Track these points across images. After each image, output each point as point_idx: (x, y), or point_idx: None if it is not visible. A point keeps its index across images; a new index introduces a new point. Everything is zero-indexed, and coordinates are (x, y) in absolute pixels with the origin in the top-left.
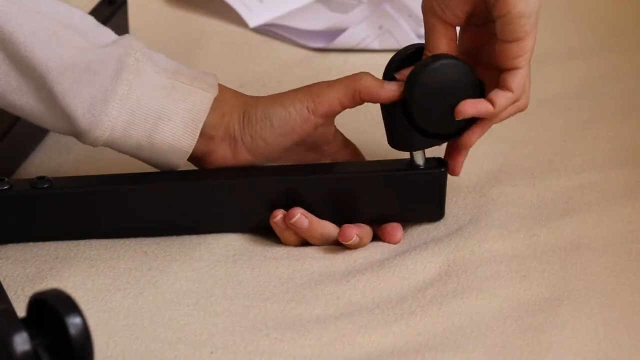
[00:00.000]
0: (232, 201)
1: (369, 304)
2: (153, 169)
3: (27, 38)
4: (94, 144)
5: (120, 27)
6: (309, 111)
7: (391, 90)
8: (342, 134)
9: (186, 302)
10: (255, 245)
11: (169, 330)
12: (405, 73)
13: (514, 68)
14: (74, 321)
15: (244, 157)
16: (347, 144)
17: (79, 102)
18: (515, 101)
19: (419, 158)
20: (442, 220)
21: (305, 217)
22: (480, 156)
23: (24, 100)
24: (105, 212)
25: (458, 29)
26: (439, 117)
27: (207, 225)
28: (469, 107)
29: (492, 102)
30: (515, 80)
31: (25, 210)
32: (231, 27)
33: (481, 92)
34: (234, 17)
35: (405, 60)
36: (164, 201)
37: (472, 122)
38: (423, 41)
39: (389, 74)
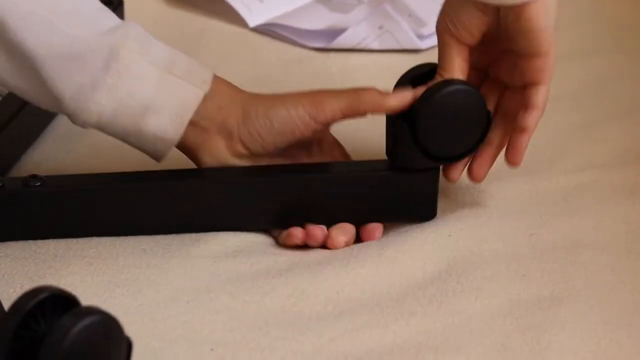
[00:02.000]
0: (223, 201)
1: (368, 301)
2: (147, 168)
3: (17, 23)
4: (82, 126)
5: None
6: (310, 117)
7: (397, 99)
8: (332, 135)
9: (185, 298)
10: (255, 242)
11: (169, 327)
12: (405, 92)
13: (538, 83)
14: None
15: (238, 149)
16: (337, 145)
17: (67, 86)
18: (541, 115)
19: None
20: (440, 215)
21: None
22: None
23: (14, 80)
24: (98, 211)
25: None
26: (445, 141)
27: (200, 224)
28: (519, 157)
29: (525, 129)
30: (540, 96)
31: (17, 208)
32: (231, 27)
33: (488, 119)
34: (234, 17)
35: (418, 78)
36: (157, 200)
37: (475, 147)
38: (423, 42)
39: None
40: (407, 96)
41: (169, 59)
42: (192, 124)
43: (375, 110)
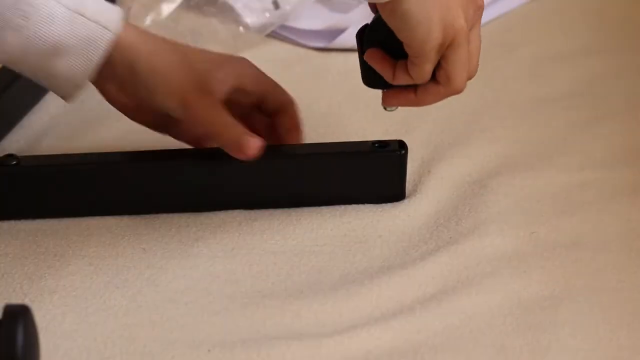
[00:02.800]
0: (202, 182)
1: (368, 300)
2: (124, 149)
3: None
4: None
5: None
6: (177, 116)
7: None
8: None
9: (184, 300)
10: (254, 238)
11: (167, 329)
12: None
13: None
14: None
15: (123, 99)
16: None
17: None
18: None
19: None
20: (442, 213)
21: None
22: (481, 154)
23: None
24: (74, 190)
25: None
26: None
27: (178, 204)
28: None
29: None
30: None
31: None
32: (231, 27)
33: None
34: (234, 17)
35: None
36: (130, 180)
37: None
38: None
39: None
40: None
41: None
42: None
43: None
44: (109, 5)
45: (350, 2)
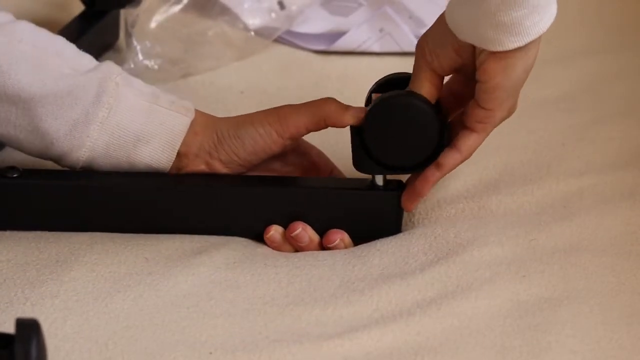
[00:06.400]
0: (200, 207)
1: (367, 303)
2: None
3: (10, 66)
4: (74, 165)
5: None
6: (277, 134)
7: (352, 116)
8: (304, 140)
9: (186, 304)
10: (255, 255)
11: (169, 331)
12: (360, 109)
13: (472, 130)
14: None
15: (218, 169)
16: (311, 147)
17: (61, 124)
18: (463, 161)
19: (378, 179)
20: (441, 230)
21: (305, 231)
22: (478, 165)
23: (3, 127)
24: (74, 205)
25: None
26: (393, 151)
27: (172, 226)
28: (425, 189)
29: (438, 164)
30: (468, 142)
31: None
32: (231, 30)
33: (441, 135)
34: (234, 20)
35: (389, 84)
36: (130, 200)
37: (428, 161)
38: None
39: (369, 96)
40: (362, 112)
41: (152, 92)
42: None
43: (335, 125)
44: (176, 96)
45: (350, 5)
